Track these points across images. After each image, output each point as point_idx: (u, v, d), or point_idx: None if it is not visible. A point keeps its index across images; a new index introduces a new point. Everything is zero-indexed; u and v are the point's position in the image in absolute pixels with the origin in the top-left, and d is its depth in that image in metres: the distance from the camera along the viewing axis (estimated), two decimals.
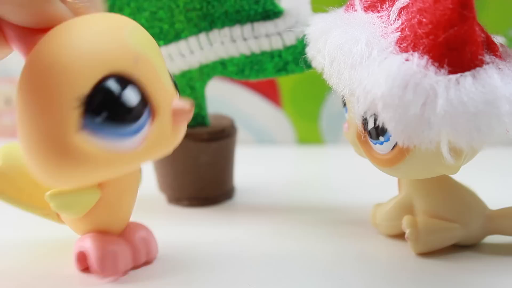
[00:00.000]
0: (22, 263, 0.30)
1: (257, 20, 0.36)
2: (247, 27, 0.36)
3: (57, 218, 0.30)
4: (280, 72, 0.37)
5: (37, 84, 0.23)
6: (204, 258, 0.31)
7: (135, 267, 0.29)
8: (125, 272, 0.28)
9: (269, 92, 0.59)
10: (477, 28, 0.24)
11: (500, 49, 0.26)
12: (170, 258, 0.31)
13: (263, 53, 0.37)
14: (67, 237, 0.31)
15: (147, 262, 0.30)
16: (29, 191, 0.30)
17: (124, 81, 0.24)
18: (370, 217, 0.34)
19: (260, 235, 0.34)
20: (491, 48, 0.26)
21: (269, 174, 0.49)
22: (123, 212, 0.29)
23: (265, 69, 0.37)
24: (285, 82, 0.59)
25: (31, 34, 0.24)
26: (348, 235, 0.33)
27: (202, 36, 0.36)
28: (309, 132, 0.60)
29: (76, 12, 0.24)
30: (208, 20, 0.36)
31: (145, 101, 0.24)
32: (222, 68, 0.38)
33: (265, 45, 0.36)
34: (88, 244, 0.28)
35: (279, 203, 0.40)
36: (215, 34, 0.36)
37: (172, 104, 0.25)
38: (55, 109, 0.23)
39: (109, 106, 0.23)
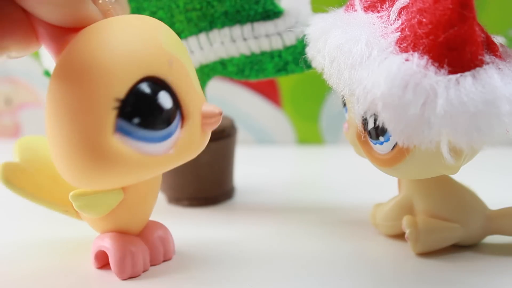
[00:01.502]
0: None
1: (257, 20, 0.36)
2: (247, 27, 0.36)
3: (76, 215, 0.30)
4: (280, 72, 0.37)
5: (75, 84, 0.23)
6: (204, 258, 0.31)
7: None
8: (143, 271, 0.29)
9: (269, 92, 0.59)
10: (477, 28, 0.24)
11: (500, 49, 0.26)
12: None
13: (263, 53, 0.37)
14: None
15: (164, 261, 0.30)
16: (49, 187, 0.30)
17: (159, 84, 0.24)
18: (370, 217, 0.34)
19: (260, 235, 0.34)
20: (491, 48, 0.26)
21: (269, 174, 0.49)
22: (143, 214, 0.29)
23: (265, 69, 0.37)
24: (285, 82, 0.59)
25: (63, 33, 0.24)
26: (348, 235, 0.33)
27: (202, 36, 0.36)
28: (309, 132, 0.60)
29: (105, 13, 0.25)
30: (208, 20, 0.36)
31: (177, 105, 0.24)
32: (222, 68, 0.38)
33: (265, 45, 0.36)
34: (108, 244, 0.28)
35: (279, 203, 0.40)
36: (215, 34, 0.36)
37: (202, 108, 0.26)
38: (93, 109, 0.23)
39: (143, 111, 0.23)
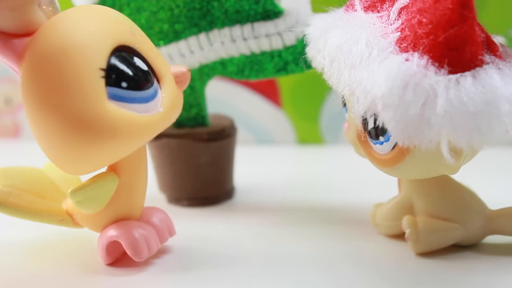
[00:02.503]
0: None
1: (257, 20, 0.36)
2: (247, 27, 0.36)
3: (73, 222, 0.31)
4: (280, 72, 0.37)
5: (56, 67, 0.24)
6: (204, 258, 0.31)
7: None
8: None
9: (269, 92, 0.59)
10: (477, 28, 0.24)
11: (500, 49, 0.26)
12: (170, 258, 0.31)
13: (263, 53, 0.37)
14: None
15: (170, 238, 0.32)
16: (38, 203, 0.30)
17: (130, 51, 0.26)
18: (370, 217, 0.34)
19: (260, 235, 0.34)
20: (491, 48, 0.26)
21: (269, 174, 0.49)
22: (139, 196, 0.30)
23: (265, 69, 0.37)
24: (285, 82, 0.59)
25: (14, 39, 0.25)
26: (348, 235, 0.33)
27: (202, 36, 0.36)
28: (309, 132, 0.60)
29: (49, 17, 0.26)
30: (208, 20, 0.36)
31: (150, 68, 0.26)
32: (222, 68, 0.38)
33: (265, 45, 0.36)
34: (117, 233, 0.29)
35: (279, 203, 0.40)
36: (215, 34, 0.36)
37: (171, 70, 0.28)
38: (83, 83, 0.24)
39: (127, 74, 0.25)
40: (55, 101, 0.24)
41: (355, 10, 0.28)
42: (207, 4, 0.35)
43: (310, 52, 0.30)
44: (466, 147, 0.23)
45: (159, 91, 0.27)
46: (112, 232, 0.29)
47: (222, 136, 0.39)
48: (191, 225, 0.36)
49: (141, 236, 0.29)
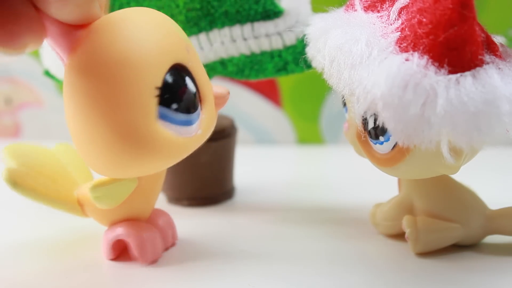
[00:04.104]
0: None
1: (257, 20, 0.36)
2: (247, 27, 0.36)
3: (81, 212, 0.31)
4: (280, 72, 0.37)
5: (111, 78, 0.23)
6: (204, 257, 0.31)
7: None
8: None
9: (269, 92, 0.59)
10: (477, 28, 0.24)
11: (500, 49, 0.26)
12: (170, 258, 0.31)
13: (263, 53, 0.37)
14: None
15: (172, 243, 0.32)
16: (52, 187, 0.30)
17: (184, 70, 0.25)
18: (370, 217, 0.34)
19: (260, 235, 0.34)
20: (491, 48, 0.26)
21: (269, 174, 0.49)
22: (153, 199, 0.31)
23: (265, 69, 0.37)
24: (285, 82, 0.59)
25: (71, 29, 0.24)
26: (348, 235, 0.33)
27: (202, 36, 0.36)
28: (309, 132, 0.60)
29: (103, 9, 0.26)
30: (208, 20, 0.36)
31: (197, 89, 0.26)
32: (222, 68, 0.38)
33: (265, 45, 0.36)
34: (126, 233, 0.29)
35: (279, 203, 0.40)
36: (215, 34, 0.36)
37: (212, 90, 0.28)
38: (136, 100, 0.24)
39: (179, 96, 0.25)
40: (104, 109, 0.24)
41: (355, 10, 0.28)
42: (207, 4, 0.35)
43: (310, 52, 0.30)
44: (466, 147, 0.23)
45: (201, 113, 0.27)
46: (121, 231, 0.29)
47: (222, 136, 0.39)
48: (191, 225, 0.36)
49: (149, 239, 0.29)
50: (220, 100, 0.28)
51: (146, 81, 0.24)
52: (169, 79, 0.24)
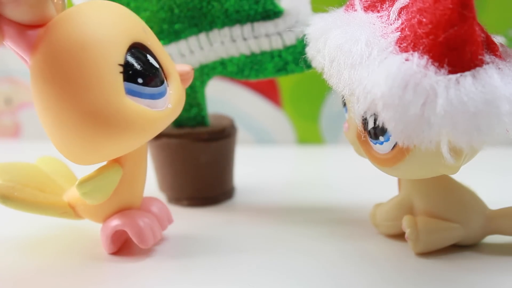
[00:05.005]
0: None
1: (257, 20, 0.36)
2: (247, 27, 0.36)
3: (75, 214, 0.31)
4: (280, 72, 0.37)
5: (75, 60, 0.24)
6: (204, 257, 0.31)
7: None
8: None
9: (269, 92, 0.59)
10: (477, 28, 0.24)
11: (500, 49, 0.26)
12: (170, 258, 0.31)
13: (263, 53, 0.37)
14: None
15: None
16: (40, 196, 0.31)
17: (143, 48, 0.27)
18: (370, 217, 0.34)
19: (260, 235, 0.34)
20: (491, 48, 0.26)
21: (269, 174, 0.49)
22: (140, 186, 0.31)
23: (265, 69, 0.37)
24: (285, 82, 0.59)
25: (26, 29, 0.25)
26: (348, 235, 0.33)
27: (202, 36, 0.36)
28: (309, 132, 0.60)
29: (59, 10, 0.27)
30: (208, 20, 0.36)
31: (160, 65, 0.27)
32: (222, 68, 0.38)
33: (265, 45, 0.36)
34: (122, 222, 0.30)
35: (279, 203, 0.40)
36: (215, 34, 0.36)
37: (176, 68, 0.29)
38: (103, 78, 0.25)
39: (143, 71, 0.26)
40: (73, 94, 0.24)
41: (355, 10, 0.28)
42: (207, 4, 0.35)
43: (310, 52, 0.30)
44: (466, 147, 0.23)
45: (168, 88, 0.28)
46: (116, 222, 0.30)
47: (222, 136, 0.39)
48: (191, 225, 0.36)
49: (146, 224, 0.30)
50: (185, 76, 0.30)
51: (108, 60, 0.25)
52: (131, 55, 0.26)
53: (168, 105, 0.28)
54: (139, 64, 0.26)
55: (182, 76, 0.30)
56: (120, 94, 0.25)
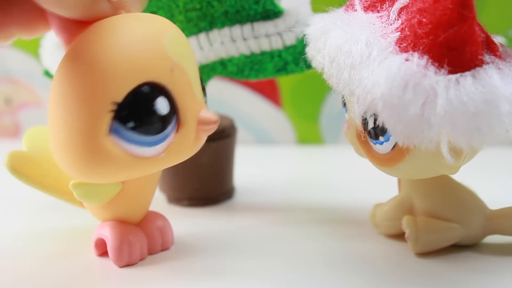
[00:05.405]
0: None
1: (257, 20, 0.36)
2: (247, 27, 0.36)
3: (79, 203, 0.31)
4: (280, 72, 0.37)
5: (76, 82, 0.23)
6: (203, 257, 0.31)
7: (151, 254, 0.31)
8: (140, 260, 0.30)
9: (269, 92, 0.59)
10: (477, 28, 0.24)
11: (500, 49, 0.26)
12: (169, 258, 0.31)
13: (263, 53, 0.37)
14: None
15: (162, 250, 0.31)
16: (54, 176, 0.30)
17: (158, 90, 0.24)
18: (370, 217, 0.34)
19: (260, 235, 0.34)
20: (491, 48, 0.26)
21: (269, 174, 0.49)
22: (142, 203, 0.30)
23: (265, 69, 0.37)
24: (285, 82, 0.59)
25: (74, 25, 0.24)
26: (348, 235, 0.33)
27: (202, 36, 0.36)
28: (309, 132, 0.60)
29: (119, 9, 0.25)
30: (208, 20, 0.36)
31: (174, 111, 0.25)
32: (222, 68, 0.38)
33: (265, 45, 0.36)
34: (106, 233, 0.29)
35: (279, 203, 0.40)
36: (215, 34, 0.36)
37: (199, 114, 0.26)
38: (90, 109, 0.23)
39: (139, 116, 0.24)
40: (67, 111, 0.24)
41: (355, 10, 0.28)
42: (207, 4, 0.35)
43: (310, 52, 0.30)
44: (466, 147, 0.23)
45: (171, 136, 0.25)
46: (104, 230, 0.29)
47: (222, 136, 0.39)
48: (191, 225, 0.36)
49: (126, 244, 0.29)
50: (204, 126, 0.26)
51: (105, 93, 0.23)
52: (133, 96, 0.24)
53: (161, 154, 0.25)
54: (138, 107, 0.24)
55: (202, 125, 0.26)
56: (100, 132, 0.24)
